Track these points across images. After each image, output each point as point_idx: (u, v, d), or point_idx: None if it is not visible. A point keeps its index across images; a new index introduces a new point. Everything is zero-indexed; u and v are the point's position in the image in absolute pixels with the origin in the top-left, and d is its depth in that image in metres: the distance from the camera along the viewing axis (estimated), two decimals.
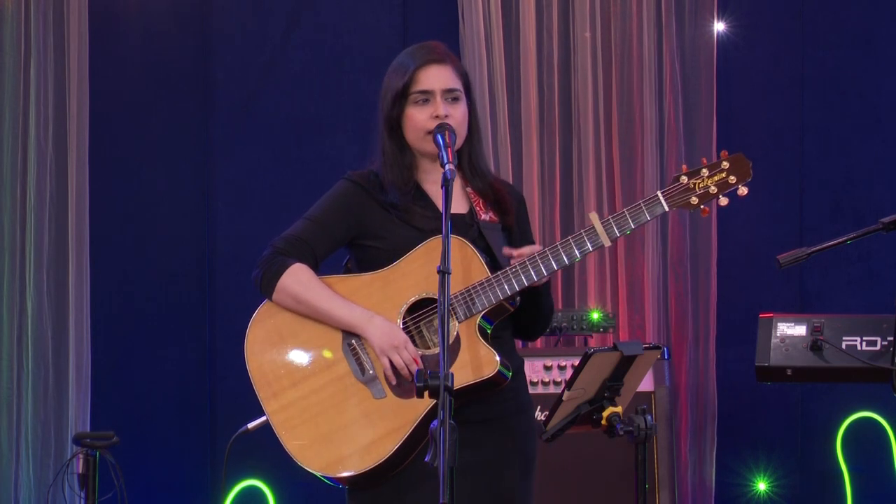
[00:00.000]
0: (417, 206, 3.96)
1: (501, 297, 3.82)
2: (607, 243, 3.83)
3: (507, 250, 3.92)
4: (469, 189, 4.01)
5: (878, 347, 4.71)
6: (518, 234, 4.00)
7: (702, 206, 3.86)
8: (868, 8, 6.66)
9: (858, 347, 4.74)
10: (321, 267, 4.00)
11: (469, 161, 4.01)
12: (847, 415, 6.47)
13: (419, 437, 3.81)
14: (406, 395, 3.83)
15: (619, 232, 3.83)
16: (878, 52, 6.64)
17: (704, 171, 3.87)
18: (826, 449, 6.51)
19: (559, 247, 3.83)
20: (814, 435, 6.58)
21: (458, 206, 3.98)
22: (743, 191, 3.87)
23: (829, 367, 4.77)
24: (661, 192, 3.85)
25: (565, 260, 3.83)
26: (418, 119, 3.93)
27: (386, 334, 3.83)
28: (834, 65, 6.67)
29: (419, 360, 3.82)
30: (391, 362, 3.82)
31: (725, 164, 3.86)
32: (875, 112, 6.65)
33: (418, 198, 3.97)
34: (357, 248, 4.00)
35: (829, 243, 4.61)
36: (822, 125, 6.68)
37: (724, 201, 3.87)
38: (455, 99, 3.94)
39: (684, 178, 3.86)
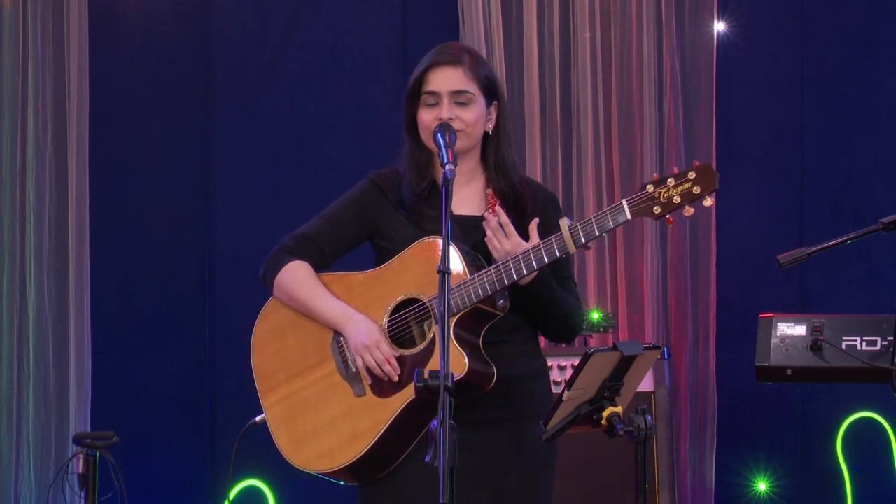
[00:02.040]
0: (426, 207, 3.97)
1: (475, 300, 3.81)
2: (572, 250, 3.79)
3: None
4: (489, 190, 4.01)
5: (878, 347, 4.70)
6: (541, 236, 3.89)
7: (666, 216, 3.78)
8: (868, 8, 6.65)
9: (858, 347, 4.73)
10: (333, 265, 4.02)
11: (495, 161, 4.00)
12: (847, 415, 6.46)
13: (396, 435, 3.83)
14: (383, 393, 3.85)
15: (586, 238, 3.78)
16: (878, 52, 6.64)
17: (671, 181, 3.77)
18: (826, 449, 6.51)
19: (531, 252, 3.82)
20: (814, 435, 6.57)
21: (472, 207, 4.00)
22: (708, 202, 3.76)
23: (829, 367, 4.76)
24: (626, 200, 3.78)
25: (534, 265, 3.82)
26: (425, 120, 3.96)
27: (362, 333, 3.86)
28: (834, 65, 6.67)
29: (392, 361, 3.83)
30: (365, 361, 3.84)
31: (692, 175, 3.75)
32: (875, 112, 6.65)
33: (433, 196, 3.97)
34: (374, 247, 4.04)
35: (829, 243, 4.60)
36: (822, 125, 6.68)
37: (689, 211, 3.76)
38: (465, 101, 3.94)
39: (650, 187, 3.78)
